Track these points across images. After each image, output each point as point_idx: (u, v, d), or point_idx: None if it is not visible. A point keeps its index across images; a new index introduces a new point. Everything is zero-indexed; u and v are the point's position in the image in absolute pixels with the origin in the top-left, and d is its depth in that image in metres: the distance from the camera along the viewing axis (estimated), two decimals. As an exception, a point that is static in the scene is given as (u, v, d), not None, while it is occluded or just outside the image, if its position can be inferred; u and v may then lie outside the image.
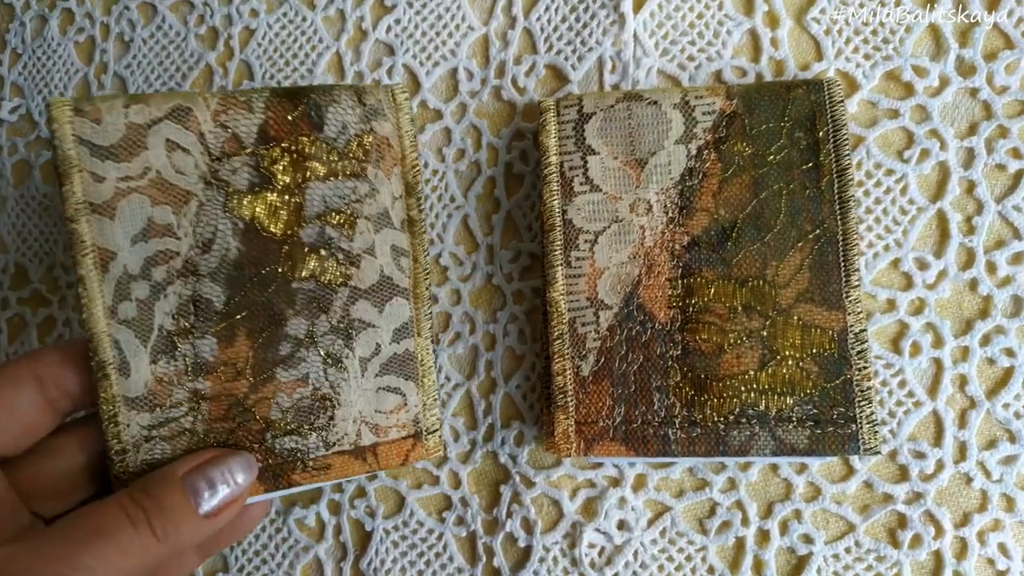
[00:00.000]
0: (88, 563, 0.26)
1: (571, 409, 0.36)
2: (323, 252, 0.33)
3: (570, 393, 0.36)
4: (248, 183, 0.31)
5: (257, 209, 0.32)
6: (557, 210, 0.37)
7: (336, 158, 0.33)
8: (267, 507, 0.36)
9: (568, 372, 0.36)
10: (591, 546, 0.38)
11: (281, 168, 0.32)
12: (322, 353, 0.33)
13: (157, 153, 0.31)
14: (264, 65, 0.44)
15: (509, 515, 0.39)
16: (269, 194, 0.32)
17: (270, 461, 0.32)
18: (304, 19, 0.44)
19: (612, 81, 0.40)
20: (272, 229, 0.32)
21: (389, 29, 0.43)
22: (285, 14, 0.44)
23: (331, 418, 0.33)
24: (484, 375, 0.40)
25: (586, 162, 0.37)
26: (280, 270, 0.32)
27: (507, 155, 0.41)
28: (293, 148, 0.32)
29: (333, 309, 0.33)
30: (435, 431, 0.36)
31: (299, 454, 0.33)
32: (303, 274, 0.32)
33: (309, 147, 0.32)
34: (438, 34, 0.42)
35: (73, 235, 0.30)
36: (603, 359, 0.36)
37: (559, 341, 0.36)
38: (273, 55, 0.44)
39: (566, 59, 0.41)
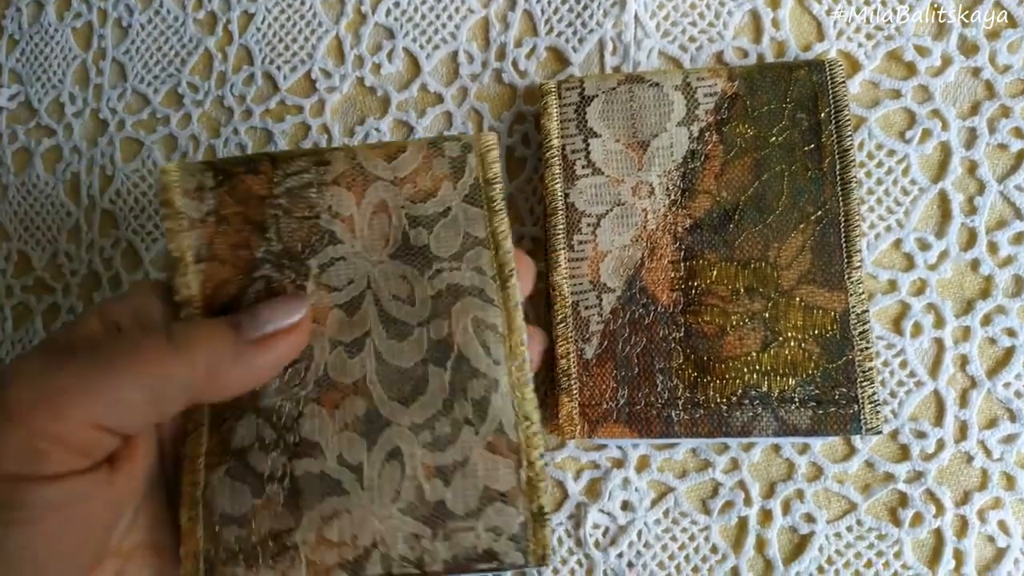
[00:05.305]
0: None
1: (575, 392, 0.36)
2: None
3: (574, 376, 0.36)
4: None
5: None
6: (559, 193, 0.37)
7: None
8: None
9: (572, 355, 0.36)
10: (595, 527, 0.38)
11: None
12: None
13: None
14: (264, 50, 0.44)
15: (514, 497, 0.39)
16: None
17: None
18: (303, 3, 0.44)
19: (613, 63, 0.40)
20: None
21: (388, 12, 0.43)
22: (284, -2, 0.44)
23: None
24: (487, 359, 0.40)
25: (588, 145, 0.37)
26: None
27: (509, 139, 0.41)
28: None
29: None
30: None
31: None
32: None
33: None
34: (438, 17, 0.42)
35: None
36: (606, 342, 0.36)
37: (562, 324, 0.36)
38: (272, 39, 0.44)
39: (567, 41, 0.40)
